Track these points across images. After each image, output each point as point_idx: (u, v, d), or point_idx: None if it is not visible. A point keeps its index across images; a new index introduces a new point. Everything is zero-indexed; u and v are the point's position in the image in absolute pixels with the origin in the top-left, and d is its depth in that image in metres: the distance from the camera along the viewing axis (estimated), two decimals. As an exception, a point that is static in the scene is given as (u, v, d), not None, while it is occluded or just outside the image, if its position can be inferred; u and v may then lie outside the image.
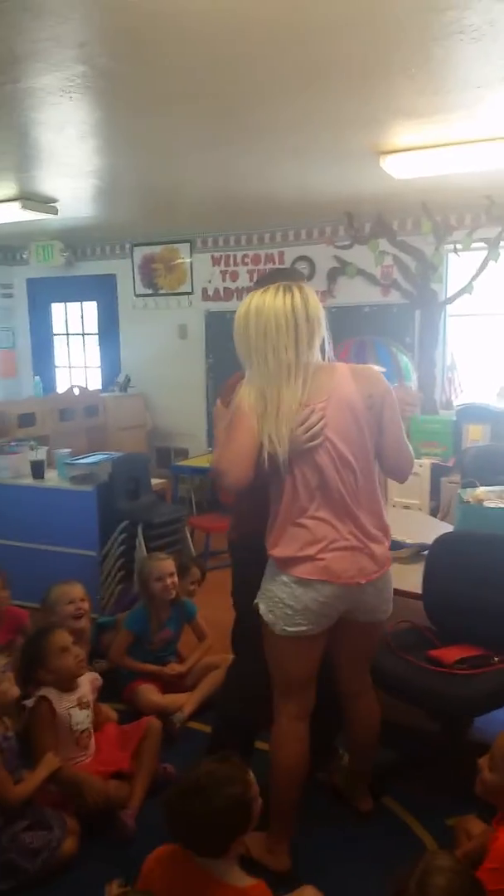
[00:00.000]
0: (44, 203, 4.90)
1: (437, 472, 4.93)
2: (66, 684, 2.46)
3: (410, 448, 2.10)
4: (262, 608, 2.05)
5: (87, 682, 2.57)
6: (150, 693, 2.99)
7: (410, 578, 2.77)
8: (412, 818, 2.37)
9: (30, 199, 4.74)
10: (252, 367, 1.99)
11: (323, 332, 2.01)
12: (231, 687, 2.45)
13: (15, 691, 2.27)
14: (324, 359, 2.04)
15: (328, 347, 2.05)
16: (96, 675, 2.66)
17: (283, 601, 1.99)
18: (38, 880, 2.10)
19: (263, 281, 2.15)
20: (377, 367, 5.18)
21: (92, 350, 7.32)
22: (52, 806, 2.25)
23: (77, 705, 2.47)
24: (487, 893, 1.48)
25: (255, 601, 2.07)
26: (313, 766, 2.21)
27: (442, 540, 2.79)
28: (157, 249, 6.58)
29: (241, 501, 2.27)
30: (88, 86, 2.78)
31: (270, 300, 1.97)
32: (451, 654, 2.46)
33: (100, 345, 7.20)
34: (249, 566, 2.19)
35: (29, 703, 2.38)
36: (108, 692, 2.78)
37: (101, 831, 2.30)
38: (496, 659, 2.44)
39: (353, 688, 2.24)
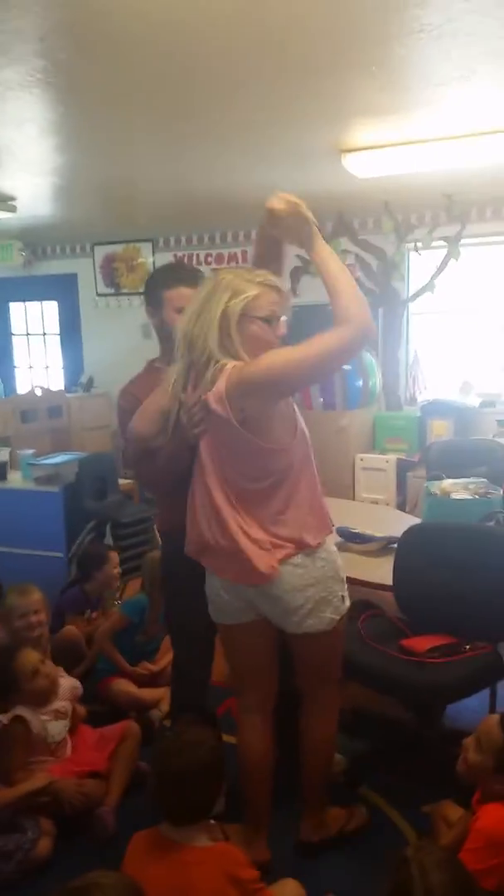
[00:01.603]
0: (2, 201, 4.83)
1: (403, 468, 5.00)
2: (41, 700, 2.43)
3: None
4: None
5: (67, 690, 2.54)
6: (127, 686, 2.96)
7: (379, 571, 2.80)
8: (388, 807, 2.40)
9: (-12, 196, 4.69)
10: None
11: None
12: (173, 675, 2.46)
13: None
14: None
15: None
16: (76, 682, 2.63)
17: (210, 590, 2.03)
18: (12, 883, 2.07)
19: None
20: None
21: (53, 350, 7.23)
22: (26, 808, 2.22)
23: (53, 717, 2.44)
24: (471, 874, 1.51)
25: None
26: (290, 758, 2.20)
27: (411, 531, 2.83)
28: (118, 248, 6.54)
29: (162, 496, 2.28)
30: (49, 81, 2.75)
31: None
32: (423, 643, 2.49)
33: (62, 345, 7.12)
34: (170, 559, 2.25)
35: (3, 718, 2.34)
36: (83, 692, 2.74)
37: (79, 831, 2.28)
38: (467, 647, 2.48)
39: (305, 700, 2.14)
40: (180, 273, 2.23)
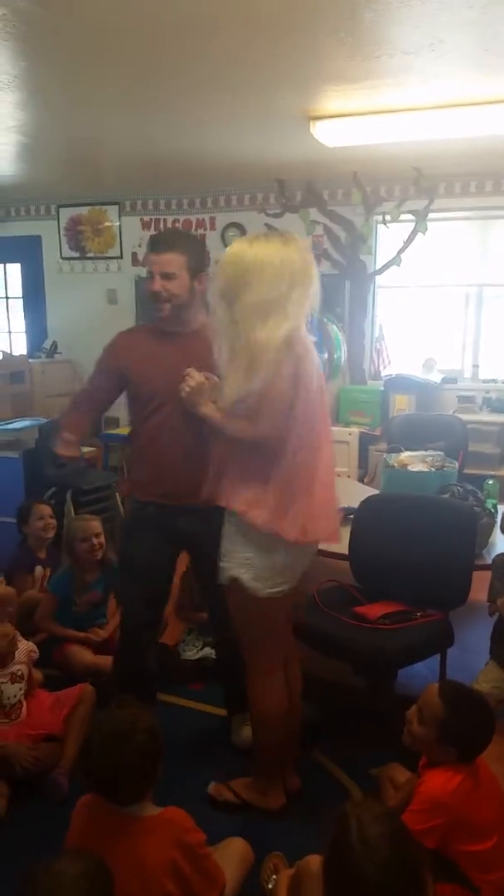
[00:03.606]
0: (-37, 158, 4.69)
1: (365, 441, 5.04)
2: None
3: None
4: None
5: (24, 654, 2.54)
6: (82, 653, 2.97)
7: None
8: (339, 770, 2.46)
9: None
10: (279, 314, 1.89)
11: None
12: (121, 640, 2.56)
13: None
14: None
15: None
16: (33, 646, 2.63)
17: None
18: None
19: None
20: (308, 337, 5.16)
21: (16, 315, 7.08)
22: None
23: (9, 680, 2.44)
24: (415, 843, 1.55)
25: None
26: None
27: (367, 502, 2.87)
28: (83, 211, 6.39)
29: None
30: (9, 31, 2.66)
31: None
32: (376, 610, 2.54)
33: (24, 309, 6.96)
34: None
35: None
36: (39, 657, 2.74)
37: (34, 793, 2.29)
38: (418, 614, 2.54)
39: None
40: (154, 240, 2.34)
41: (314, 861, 1.57)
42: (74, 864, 1.34)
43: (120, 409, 6.61)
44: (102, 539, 3.14)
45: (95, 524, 3.16)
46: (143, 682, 2.51)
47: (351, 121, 3.77)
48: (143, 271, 6.23)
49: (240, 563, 2.02)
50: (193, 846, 1.61)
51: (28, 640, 2.69)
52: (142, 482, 2.44)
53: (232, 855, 1.81)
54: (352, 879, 1.28)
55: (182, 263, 2.24)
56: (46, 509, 3.52)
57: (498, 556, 2.85)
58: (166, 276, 2.23)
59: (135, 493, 2.49)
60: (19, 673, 2.47)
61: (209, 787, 2.31)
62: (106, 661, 2.98)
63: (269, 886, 1.85)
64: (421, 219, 4.90)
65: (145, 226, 6.21)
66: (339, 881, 1.32)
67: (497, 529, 3.04)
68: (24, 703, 2.48)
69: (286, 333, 1.88)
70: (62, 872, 1.31)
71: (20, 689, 2.47)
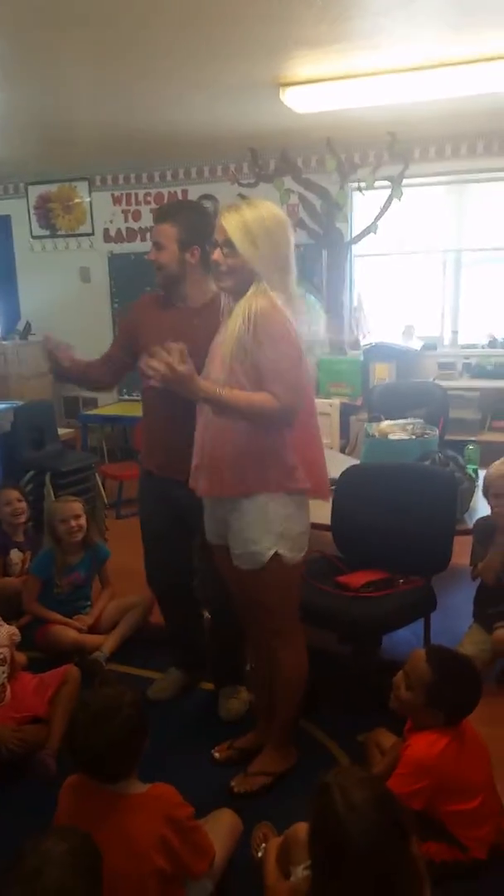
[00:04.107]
0: None
1: (347, 411, 5.02)
2: None
3: None
4: None
5: (5, 637, 2.51)
6: (66, 631, 2.97)
7: (320, 511, 2.82)
8: (326, 738, 2.47)
9: None
10: (282, 277, 1.93)
11: None
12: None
13: None
14: None
15: None
16: (14, 629, 2.60)
17: (306, 525, 2.16)
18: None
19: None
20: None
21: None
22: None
23: (-9, 664, 2.42)
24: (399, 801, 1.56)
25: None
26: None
27: (348, 472, 2.86)
28: (52, 188, 6.26)
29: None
30: (-36, -2, 2.57)
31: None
32: (358, 578, 2.55)
33: (-4, 290, 6.84)
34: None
35: None
36: (22, 639, 2.73)
37: (21, 776, 2.29)
38: (401, 581, 2.55)
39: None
40: (157, 210, 2.41)
41: (301, 828, 1.58)
42: (62, 842, 1.33)
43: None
44: (83, 521, 3.11)
45: (76, 505, 3.13)
46: (191, 644, 2.69)
47: (322, 86, 3.70)
48: (116, 248, 6.20)
49: (276, 541, 2.02)
50: (182, 820, 1.61)
51: (11, 623, 2.67)
52: (143, 451, 2.56)
53: (221, 826, 1.82)
54: (341, 845, 1.29)
55: (172, 235, 2.25)
56: (13, 493, 3.46)
57: (479, 520, 2.87)
58: (157, 246, 2.30)
59: (141, 461, 2.60)
60: (1, 656, 2.45)
61: (216, 754, 2.35)
62: (91, 638, 2.98)
63: (259, 855, 1.86)
64: (396, 185, 4.84)
65: (116, 201, 6.09)
66: (327, 848, 1.33)
67: (478, 494, 3.05)
68: (8, 687, 2.47)
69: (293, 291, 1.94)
70: (50, 850, 1.30)
71: (3, 673, 2.45)
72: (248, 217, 1.90)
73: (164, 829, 1.57)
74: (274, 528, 2.01)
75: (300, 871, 1.57)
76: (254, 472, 1.97)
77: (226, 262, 1.92)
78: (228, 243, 1.90)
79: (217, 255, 1.95)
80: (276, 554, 2.02)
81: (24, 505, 3.46)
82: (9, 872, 1.28)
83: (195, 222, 2.31)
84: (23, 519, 3.46)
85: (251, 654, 2.43)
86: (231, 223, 1.90)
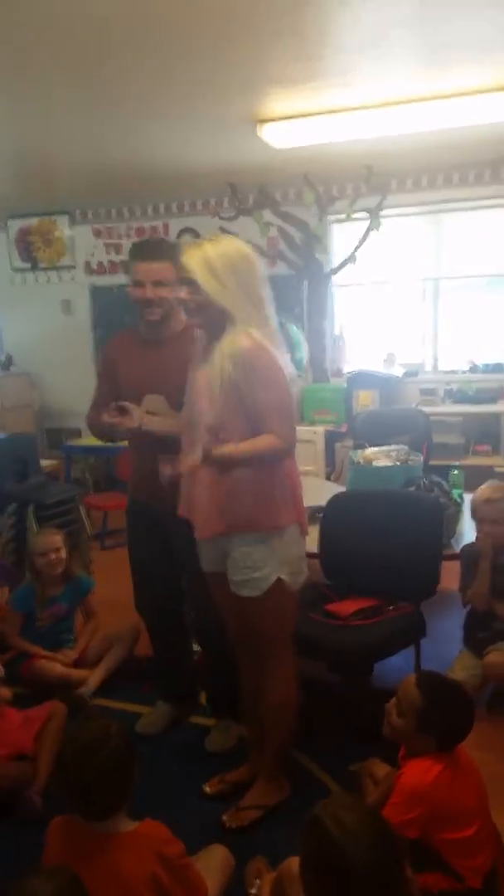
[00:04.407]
0: None
1: (331, 438, 5.05)
2: None
3: None
4: None
5: None
6: (51, 666, 2.93)
7: (306, 539, 2.82)
8: (320, 769, 2.44)
9: None
10: (258, 312, 1.95)
11: None
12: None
13: None
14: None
15: None
16: None
17: (301, 553, 2.20)
18: None
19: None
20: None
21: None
22: None
23: (-26, 697, 2.38)
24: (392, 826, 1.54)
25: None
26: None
27: (334, 500, 2.87)
28: (32, 221, 6.31)
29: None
30: None
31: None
32: (347, 606, 2.54)
33: (-22, 324, 6.85)
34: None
35: None
36: (6, 674, 2.68)
37: (6, 814, 2.24)
38: (390, 608, 2.54)
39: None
40: (141, 249, 2.40)
41: (295, 863, 1.55)
42: (48, 882, 1.31)
43: (79, 420, 6.51)
44: (62, 553, 3.08)
45: (55, 539, 3.10)
46: (179, 675, 2.69)
47: (299, 122, 3.79)
48: (98, 280, 6.24)
49: (277, 567, 2.04)
50: (173, 857, 1.58)
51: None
52: (131, 482, 2.59)
53: (213, 862, 1.79)
54: (342, 869, 1.28)
55: (172, 273, 2.28)
56: None
57: (465, 546, 2.88)
58: (159, 284, 2.30)
59: (129, 490, 2.61)
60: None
61: (207, 788, 2.31)
62: (78, 672, 2.93)
63: (253, 892, 1.82)
64: (374, 216, 4.94)
65: (97, 234, 6.15)
66: (325, 878, 1.31)
67: (464, 518, 3.07)
68: (-6, 722, 2.42)
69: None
70: (36, 891, 1.27)
71: (-13, 707, 2.41)
72: (211, 253, 1.92)
73: (154, 867, 1.54)
74: (276, 554, 2.03)
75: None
76: (260, 509, 2.00)
77: (192, 298, 1.95)
78: (191, 281, 1.93)
79: (183, 293, 1.98)
80: (277, 580, 2.04)
81: None
82: None
83: (178, 256, 2.36)
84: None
85: (241, 685, 2.41)
86: (192, 260, 1.93)
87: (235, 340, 1.91)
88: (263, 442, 1.93)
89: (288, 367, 1.99)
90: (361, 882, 1.26)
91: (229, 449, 1.91)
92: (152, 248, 2.37)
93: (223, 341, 1.93)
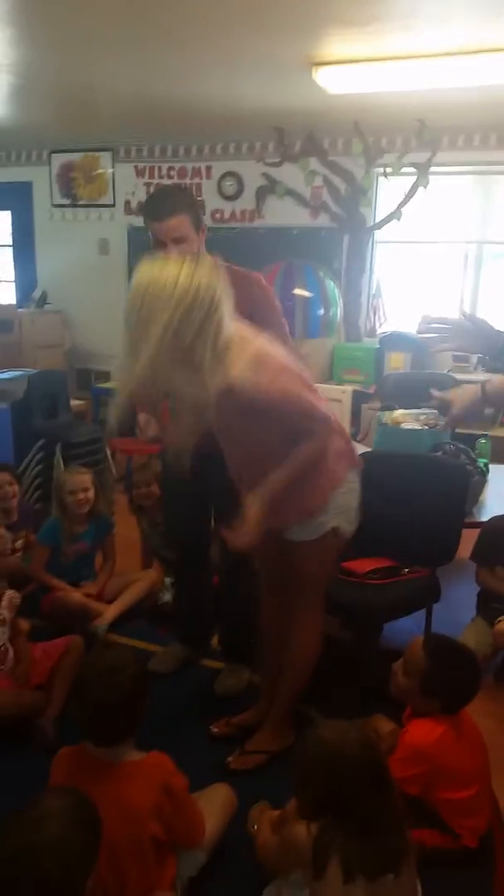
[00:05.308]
0: (-50, 97, 4.53)
1: (359, 399, 5.02)
2: None
3: None
4: None
5: (6, 600, 2.54)
6: (71, 594, 3.01)
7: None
8: (323, 722, 2.48)
9: None
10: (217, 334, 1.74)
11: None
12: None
13: None
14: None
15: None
16: (14, 593, 2.62)
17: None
18: None
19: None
20: (304, 293, 5.10)
21: (5, 263, 6.94)
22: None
23: (-8, 625, 2.44)
24: (395, 780, 1.58)
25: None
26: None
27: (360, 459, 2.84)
28: (76, 157, 6.22)
29: None
30: (-1, -43, 2.54)
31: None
32: (364, 565, 2.55)
33: (14, 257, 6.82)
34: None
35: None
36: (27, 607, 2.75)
37: (20, 742, 2.30)
38: (406, 570, 2.55)
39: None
40: (153, 207, 2.24)
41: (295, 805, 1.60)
42: (60, 799, 1.36)
43: (110, 362, 6.52)
44: (91, 493, 3.11)
45: (85, 478, 3.13)
46: (196, 614, 2.73)
47: (354, 67, 3.65)
48: (136, 221, 6.15)
49: (336, 514, 2.07)
50: (177, 790, 1.64)
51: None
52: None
53: (216, 800, 1.85)
54: (335, 766, 1.42)
55: (189, 223, 2.22)
56: (4, 476, 3.35)
57: (495, 518, 2.85)
58: (179, 240, 2.19)
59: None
60: (1, 618, 2.48)
61: (213, 729, 2.37)
62: (95, 604, 3.00)
63: (254, 828, 1.88)
64: (423, 172, 4.79)
65: (139, 173, 6.05)
66: (318, 777, 1.45)
67: (488, 488, 3.05)
68: (10, 650, 2.49)
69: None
70: (50, 805, 1.33)
71: (3, 634, 2.47)
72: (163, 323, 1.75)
73: (159, 797, 1.60)
74: (336, 503, 2.07)
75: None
76: (321, 481, 2.02)
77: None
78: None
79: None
80: (336, 525, 2.08)
81: (14, 488, 3.36)
82: (9, 826, 1.30)
83: (193, 201, 2.32)
84: (14, 503, 3.37)
85: (264, 633, 2.44)
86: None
87: (230, 369, 1.77)
88: (302, 454, 1.94)
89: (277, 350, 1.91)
90: (353, 774, 1.39)
91: (273, 484, 1.93)
92: (162, 204, 2.23)
93: (218, 374, 1.77)
